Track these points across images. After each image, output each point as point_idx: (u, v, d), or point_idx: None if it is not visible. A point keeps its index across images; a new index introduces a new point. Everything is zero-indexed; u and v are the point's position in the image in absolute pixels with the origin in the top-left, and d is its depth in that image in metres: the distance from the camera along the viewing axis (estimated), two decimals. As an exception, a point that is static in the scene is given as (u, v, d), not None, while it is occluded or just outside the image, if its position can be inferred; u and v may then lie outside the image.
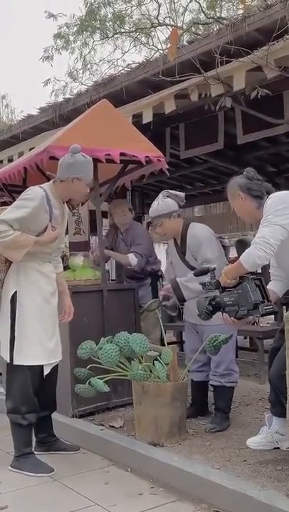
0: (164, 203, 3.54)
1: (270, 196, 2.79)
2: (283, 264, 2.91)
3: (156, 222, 3.58)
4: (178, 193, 3.66)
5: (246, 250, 2.71)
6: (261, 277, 2.83)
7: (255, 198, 2.87)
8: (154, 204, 3.59)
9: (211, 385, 3.64)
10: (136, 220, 5.37)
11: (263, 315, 2.77)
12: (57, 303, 3.23)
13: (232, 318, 2.82)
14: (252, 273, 2.80)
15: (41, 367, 3.07)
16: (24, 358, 3.02)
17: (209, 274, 2.97)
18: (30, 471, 2.99)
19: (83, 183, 3.11)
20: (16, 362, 3.02)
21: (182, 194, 3.66)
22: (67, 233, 3.95)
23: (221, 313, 2.88)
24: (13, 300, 3.05)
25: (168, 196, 3.57)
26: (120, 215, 4.76)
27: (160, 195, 3.60)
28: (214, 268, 2.98)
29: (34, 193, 3.03)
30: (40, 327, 3.07)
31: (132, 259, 4.56)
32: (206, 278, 2.98)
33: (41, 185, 3.12)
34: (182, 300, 3.54)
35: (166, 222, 3.56)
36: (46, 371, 3.09)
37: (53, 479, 2.95)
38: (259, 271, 2.95)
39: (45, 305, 3.11)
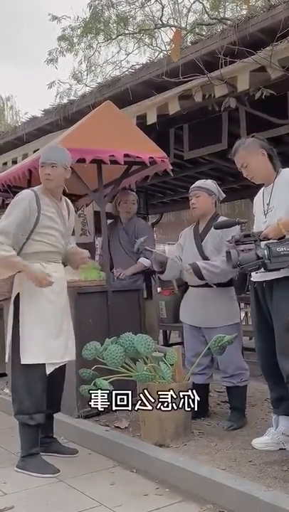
0: (210, 183, 3.71)
1: (283, 170, 2.96)
2: None
3: (195, 193, 3.66)
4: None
5: None
6: None
7: (273, 157, 2.98)
8: (201, 180, 3.77)
9: (224, 386, 3.66)
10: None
11: None
12: (64, 301, 3.24)
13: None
14: None
15: (44, 366, 3.06)
16: (26, 357, 3.04)
17: (239, 227, 3.04)
18: (35, 472, 3.00)
19: (43, 170, 3.15)
20: (21, 361, 3.04)
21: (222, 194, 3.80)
22: (73, 234, 3.95)
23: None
24: (16, 301, 3.10)
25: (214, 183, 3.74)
26: (130, 203, 4.74)
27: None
28: (246, 221, 3.05)
29: (21, 196, 3.14)
30: (42, 327, 3.07)
31: (145, 261, 4.51)
32: (233, 232, 2.99)
33: (33, 188, 3.23)
34: (202, 278, 3.50)
35: (204, 196, 3.65)
36: (48, 371, 3.08)
37: (59, 480, 2.95)
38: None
39: (48, 305, 3.12)
